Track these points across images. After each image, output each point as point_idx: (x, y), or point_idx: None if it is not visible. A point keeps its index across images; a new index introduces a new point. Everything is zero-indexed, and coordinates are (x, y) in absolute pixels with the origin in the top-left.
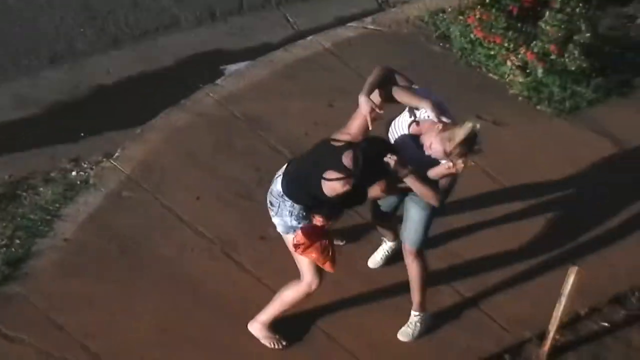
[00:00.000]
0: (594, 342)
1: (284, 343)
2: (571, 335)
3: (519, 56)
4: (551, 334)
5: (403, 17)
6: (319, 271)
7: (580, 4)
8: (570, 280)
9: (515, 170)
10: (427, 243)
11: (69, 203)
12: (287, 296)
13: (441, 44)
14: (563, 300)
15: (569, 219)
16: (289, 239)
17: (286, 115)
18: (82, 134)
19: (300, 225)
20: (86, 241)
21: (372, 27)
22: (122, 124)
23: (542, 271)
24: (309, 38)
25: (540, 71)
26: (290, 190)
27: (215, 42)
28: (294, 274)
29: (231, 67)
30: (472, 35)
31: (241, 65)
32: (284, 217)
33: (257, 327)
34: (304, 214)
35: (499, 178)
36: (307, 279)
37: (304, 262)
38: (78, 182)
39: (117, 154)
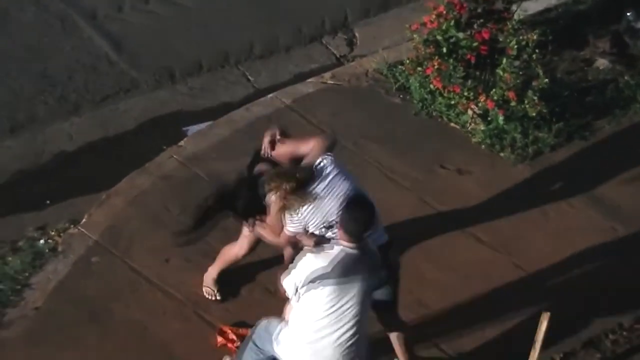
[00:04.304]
0: None
1: (218, 297)
2: None
3: (479, 104)
4: None
5: (362, 71)
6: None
7: (537, 50)
8: (543, 326)
9: (481, 218)
10: None
11: (38, 271)
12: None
13: (401, 96)
14: (537, 346)
15: (535, 264)
16: None
17: None
18: (48, 202)
19: None
20: (56, 309)
21: (331, 82)
22: (87, 189)
23: (514, 318)
24: (269, 96)
25: (501, 118)
26: None
27: (175, 104)
28: None
29: (193, 128)
30: (431, 86)
31: (203, 125)
32: None
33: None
34: None
35: (466, 227)
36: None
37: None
38: (46, 250)
39: (83, 220)
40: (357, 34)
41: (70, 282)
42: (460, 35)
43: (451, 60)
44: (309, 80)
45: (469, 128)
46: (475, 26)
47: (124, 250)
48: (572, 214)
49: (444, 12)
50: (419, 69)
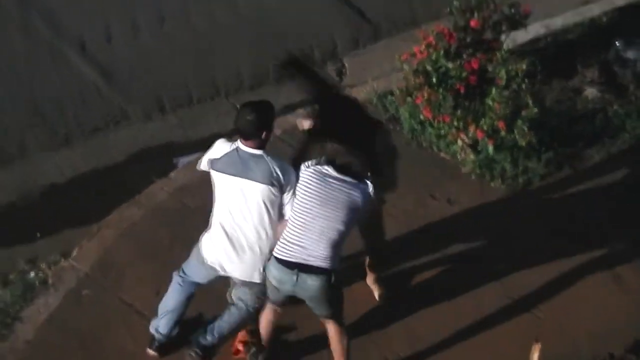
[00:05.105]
0: None
1: None
2: None
3: (469, 134)
4: None
5: None
6: None
7: (526, 80)
8: (535, 356)
9: (471, 248)
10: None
11: (28, 304)
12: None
13: (391, 126)
14: None
15: (527, 293)
16: None
17: None
18: (38, 234)
19: None
20: (47, 342)
21: None
22: (77, 222)
23: (504, 348)
24: None
25: (490, 148)
26: None
27: (166, 135)
28: None
29: (183, 159)
30: (421, 116)
31: (193, 156)
32: None
33: None
34: None
35: (457, 257)
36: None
37: None
38: (37, 283)
39: (74, 253)
40: (346, 64)
41: (61, 315)
42: (450, 65)
43: (441, 90)
44: (299, 110)
45: (459, 158)
46: (464, 56)
47: (115, 282)
48: (564, 244)
49: (434, 42)
50: (409, 99)
